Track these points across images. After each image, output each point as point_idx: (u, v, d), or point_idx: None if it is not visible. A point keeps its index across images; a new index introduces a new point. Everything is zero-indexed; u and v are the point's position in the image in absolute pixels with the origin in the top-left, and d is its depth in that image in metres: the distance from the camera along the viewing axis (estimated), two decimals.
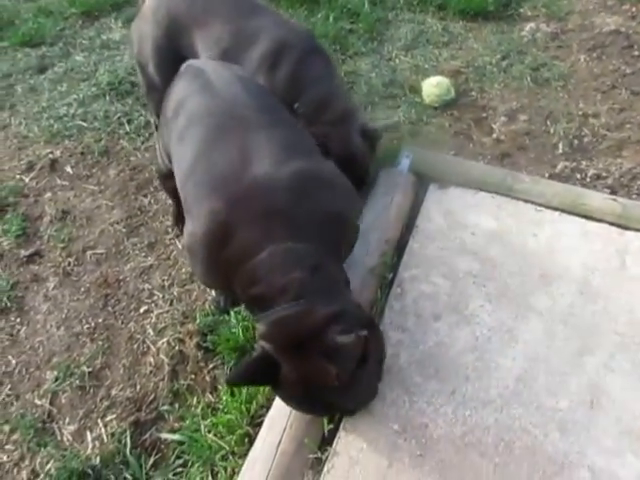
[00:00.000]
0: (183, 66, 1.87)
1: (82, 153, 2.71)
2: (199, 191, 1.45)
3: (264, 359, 1.31)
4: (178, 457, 1.63)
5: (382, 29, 3.34)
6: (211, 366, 1.83)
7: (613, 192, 2.29)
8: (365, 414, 1.60)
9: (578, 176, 2.40)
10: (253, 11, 2.19)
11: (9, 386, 1.89)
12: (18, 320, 2.07)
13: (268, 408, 1.62)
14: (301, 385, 1.30)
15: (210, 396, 1.75)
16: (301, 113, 2.05)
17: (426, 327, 1.83)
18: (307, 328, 1.27)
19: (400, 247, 2.08)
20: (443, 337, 1.80)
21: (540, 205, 2.19)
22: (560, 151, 2.53)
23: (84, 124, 2.87)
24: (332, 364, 1.24)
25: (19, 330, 2.03)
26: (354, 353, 1.26)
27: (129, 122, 2.86)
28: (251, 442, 1.55)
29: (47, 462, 1.69)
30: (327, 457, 1.52)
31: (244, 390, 1.68)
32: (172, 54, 2.14)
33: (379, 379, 1.54)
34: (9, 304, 2.11)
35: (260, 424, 1.58)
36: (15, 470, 1.69)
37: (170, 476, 1.59)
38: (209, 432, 1.62)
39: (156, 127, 2.51)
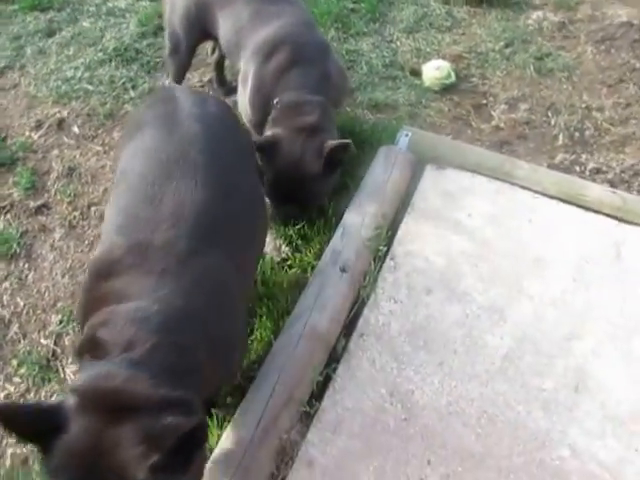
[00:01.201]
0: (162, 87, 1.89)
1: (88, 115, 2.74)
2: (111, 221, 1.40)
3: (53, 409, 1.02)
4: None
5: (385, 10, 3.34)
6: None
7: (612, 187, 2.30)
8: (354, 376, 1.65)
9: (577, 169, 2.43)
10: (280, 1, 2.23)
11: (17, 325, 1.99)
12: (26, 266, 2.15)
13: (260, 364, 1.67)
14: (88, 459, 0.98)
15: None
16: (274, 111, 2.06)
17: (417, 300, 1.88)
18: (139, 397, 1.03)
19: (395, 223, 2.12)
20: (434, 311, 1.86)
21: (537, 192, 2.22)
22: (560, 142, 2.56)
23: (90, 87, 2.89)
24: (152, 446, 0.96)
25: (27, 275, 2.13)
26: (182, 439, 0.96)
27: (134, 88, 2.88)
28: (243, 394, 1.60)
29: (51, 396, 1.80)
30: (315, 412, 1.58)
31: None
32: (199, 26, 2.31)
33: None
34: (18, 250, 2.19)
35: (252, 378, 1.63)
36: (21, 400, 1.80)
37: None
38: None
39: None
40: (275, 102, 2.06)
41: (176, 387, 1.07)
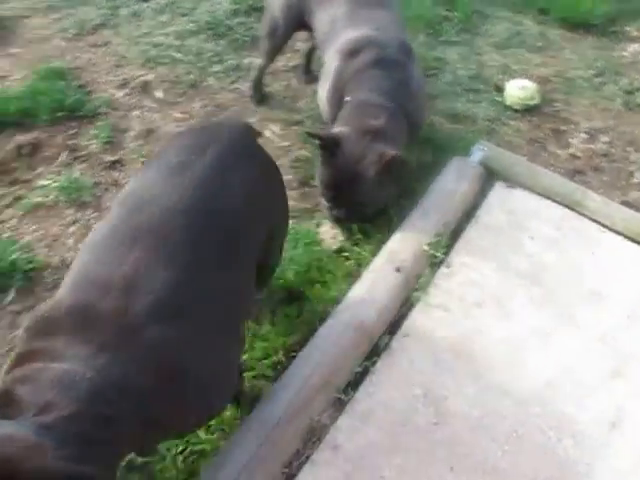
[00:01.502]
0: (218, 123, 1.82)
1: (172, 82, 2.83)
2: (75, 263, 1.25)
3: None
4: None
5: (478, 22, 3.32)
6: None
7: None
8: (392, 373, 1.67)
9: None
10: (376, 4, 2.28)
11: None
12: (94, 215, 2.21)
13: (302, 345, 1.71)
14: None
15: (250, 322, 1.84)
16: (344, 109, 2.08)
17: (467, 311, 1.88)
18: (35, 468, 0.91)
19: (456, 233, 2.12)
20: (481, 324, 1.85)
21: (605, 227, 2.19)
22: (636, 180, 2.49)
23: (178, 56, 2.98)
24: None
25: (94, 224, 2.18)
26: None
27: (219, 62, 2.96)
28: (283, 370, 1.64)
29: None
30: (349, 400, 1.61)
31: (283, 322, 1.79)
32: (298, 15, 2.39)
33: None
34: (89, 200, 2.26)
35: (293, 357, 1.68)
36: None
37: None
38: (245, 353, 1.71)
39: (259, 69, 2.68)
40: (346, 100, 2.08)
41: (86, 461, 0.95)
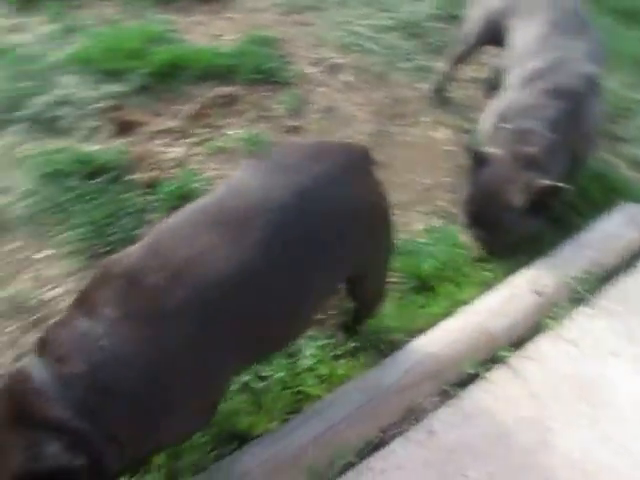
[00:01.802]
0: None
1: (361, 69, 2.99)
2: (165, 226, 1.26)
3: None
4: None
5: None
6: None
7: None
8: (504, 387, 1.67)
9: None
10: (576, 32, 2.21)
11: None
12: None
13: (421, 333, 1.76)
14: None
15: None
16: (503, 132, 2.03)
17: (600, 356, 1.80)
18: (38, 410, 1.02)
19: (610, 277, 2.03)
20: (613, 374, 1.76)
21: None
22: None
23: (372, 46, 3.14)
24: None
25: None
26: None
27: (408, 60, 3.07)
28: (397, 349, 1.71)
29: None
30: (454, 395, 1.63)
31: (409, 308, 1.86)
32: (493, 30, 2.42)
33: None
34: None
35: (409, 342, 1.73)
36: None
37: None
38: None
39: (442, 73, 2.76)
40: (503, 126, 2.04)
41: (80, 420, 1.02)
